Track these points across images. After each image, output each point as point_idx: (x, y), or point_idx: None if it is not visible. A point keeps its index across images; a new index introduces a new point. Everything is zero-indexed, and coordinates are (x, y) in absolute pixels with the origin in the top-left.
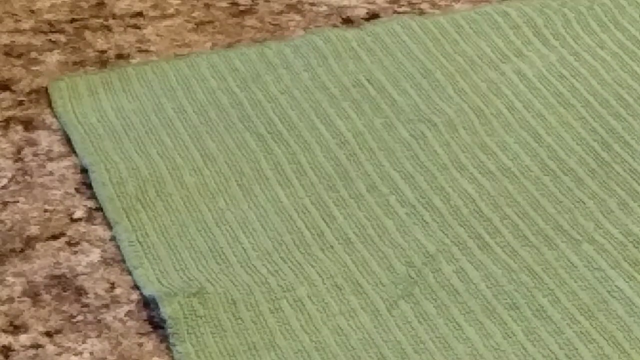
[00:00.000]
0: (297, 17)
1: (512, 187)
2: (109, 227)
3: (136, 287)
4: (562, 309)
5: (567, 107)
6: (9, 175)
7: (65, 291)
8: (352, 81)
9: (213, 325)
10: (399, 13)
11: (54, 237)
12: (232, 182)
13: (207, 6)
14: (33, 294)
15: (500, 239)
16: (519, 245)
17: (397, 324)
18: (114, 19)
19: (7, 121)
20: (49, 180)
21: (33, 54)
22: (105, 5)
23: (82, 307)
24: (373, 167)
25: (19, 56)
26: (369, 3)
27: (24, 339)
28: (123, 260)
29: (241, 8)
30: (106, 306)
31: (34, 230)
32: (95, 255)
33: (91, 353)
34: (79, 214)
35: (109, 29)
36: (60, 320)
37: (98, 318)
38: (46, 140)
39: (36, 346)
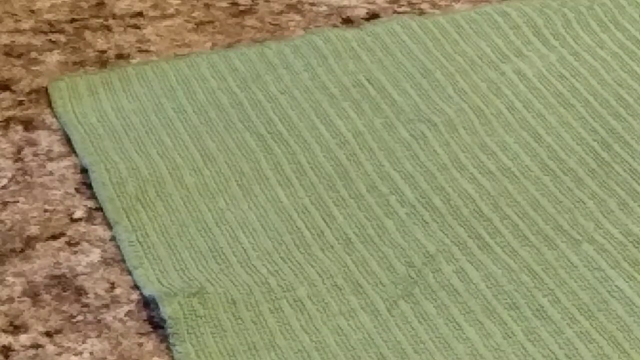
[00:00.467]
0: (297, 17)
1: (512, 187)
2: (109, 227)
3: (136, 287)
4: (562, 309)
5: (567, 107)
6: (9, 175)
7: (65, 291)
8: (352, 81)
9: (213, 325)
10: (399, 13)
11: (54, 237)
12: (232, 182)
13: (207, 6)
14: (33, 294)
15: (500, 239)
16: (519, 245)
17: (397, 324)
18: (114, 19)
19: (7, 121)
20: (49, 180)
21: (33, 54)
22: (105, 5)
23: (82, 307)
24: (373, 167)
25: (19, 56)
26: (369, 3)
27: (24, 339)
28: (123, 260)
29: (241, 8)
30: (106, 306)
31: (34, 230)
32: (95, 255)
33: (91, 353)
34: (79, 214)
35: (109, 29)
36: (60, 320)
37: (98, 318)
38: (46, 140)
39: (36, 346)
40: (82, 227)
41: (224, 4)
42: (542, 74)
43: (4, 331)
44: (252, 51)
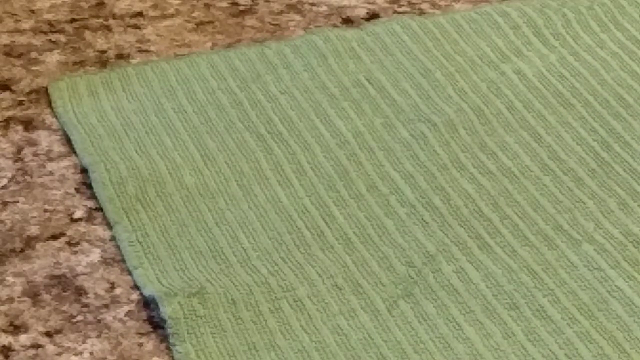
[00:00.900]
0: (297, 17)
1: (512, 187)
2: (109, 227)
3: (136, 287)
4: (562, 309)
5: (567, 107)
6: (9, 175)
7: (65, 291)
8: (352, 81)
9: (213, 325)
10: (399, 13)
11: (54, 237)
12: (232, 182)
13: (207, 6)
14: (33, 294)
15: (500, 239)
16: (519, 245)
17: (397, 324)
18: (114, 19)
19: (7, 121)
20: (49, 180)
21: (33, 54)
22: (105, 5)
23: (82, 307)
24: (373, 167)
25: (19, 56)
26: (369, 3)
27: (24, 339)
28: (123, 260)
29: (241, 8)
30: (106, 306)
31: (34, 230)
32: (95, 255)
33: (91, 353)
34: (79, 214)
35: (109, 29)
36: (60, 320)
37: (98, 318)
38: (46, 140)
39: (36, 346)
40: (82, 227)
41: (224, 4)
42: (542, 74)
43: (4, 331)
44: (252, 51)
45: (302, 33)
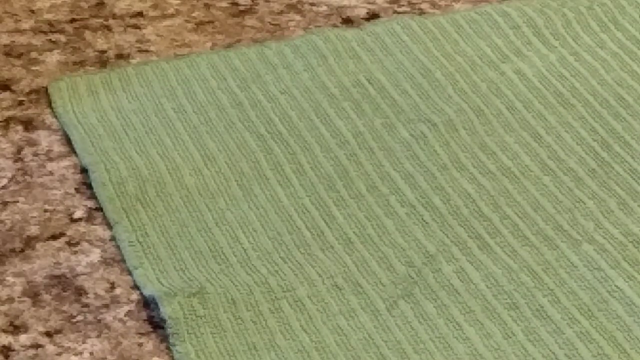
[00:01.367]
0: (297, 17)
1: (512, 187)
2: (109, 227)
3: (136, 287)
4: (562, 309)
5: (567, 107)
6: (9, 175)
7: (65, 291)
8: (352, 81)
9: (213, 325)
10: (399, 13)
11: (54, 237)
12: (232, 182)
13: (207, 6)
14: (33, 294)
15: (500, 239)
16: (519, 245)
17: (397, 324)
18: (114, 19)
19: (7, 121)
20: (49, 180)
21: (33, 54)
22: (105, 5)
23: (82, 307)
24: (373, 167)
25: (19, 56)
26: (369, 3)
27: (24, 339)
28: (123, 260)
29: (241, 8)
30: (106, 306)
31: (34, 230)
32: (95, 255)
33: (91, 353)
34: (79, 214)
35: (109, 29)
36: (60, 320)
37: (98, 318)
38: (46, 140)
39: (36, 346)
40: (82, 227)
41: (224, 4)
42: (542, 74)
43: (4, 331)
44: (252, 51)
45: (302, 33)
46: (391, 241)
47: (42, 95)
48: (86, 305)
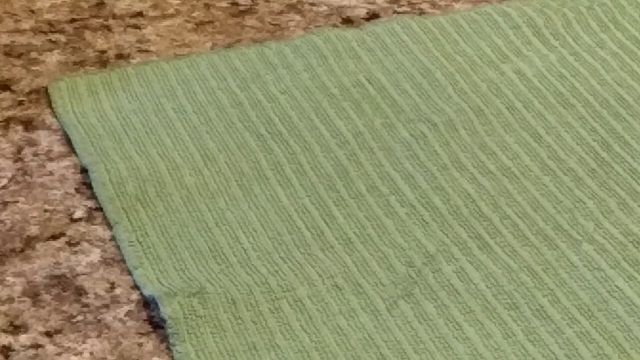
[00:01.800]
0: (297, 17)
1: (512, 187)
2: (109, 227)
3: (136, 287)
4: (562, 309)
5: (567, 107)
6: (9, 175)
7: (65, 291)
8: (352, 81)
9: (213, 325)
10: (399, 13)
11: (54, 237)
12: (232, 182)
13: (207, 6)
14: (33, 294)
15: (500, 239)
16: (519, 245)
17: (397, 324)
18: (114, 19)
19: (7, 121)
20: (49, 180)
21: (33, 54)
22: (105, 5)
23: (82, 307)
24: (373, 167)
25: (19, 56)
26: (369, 3)
27: (24, 339)
28: (123, 260)
29: (241, 8)
30: (106, 306)
31: (34, 230)
32: (95, 255)
33: (91, 353)
34: (79, 214)
35: (109, 29)
36: (60, 320)
37: (98, 318)
38: (46, 140)
39: (36, 346)
40: (82, 227)
41: (224, 4)
42: (542, 74)
43: (4, 331)
44: (252, 51)
45: (302, 33)
46: (391, 241)
47: (42, 95)
48: (86, 305)
